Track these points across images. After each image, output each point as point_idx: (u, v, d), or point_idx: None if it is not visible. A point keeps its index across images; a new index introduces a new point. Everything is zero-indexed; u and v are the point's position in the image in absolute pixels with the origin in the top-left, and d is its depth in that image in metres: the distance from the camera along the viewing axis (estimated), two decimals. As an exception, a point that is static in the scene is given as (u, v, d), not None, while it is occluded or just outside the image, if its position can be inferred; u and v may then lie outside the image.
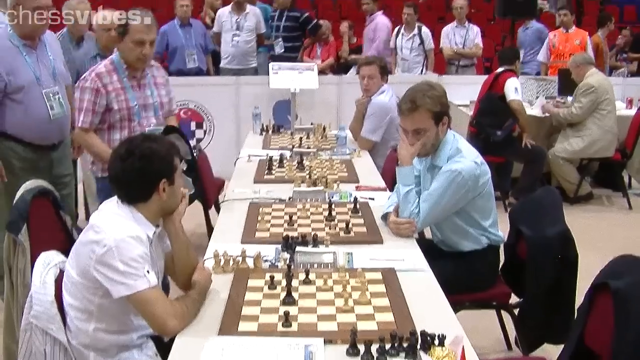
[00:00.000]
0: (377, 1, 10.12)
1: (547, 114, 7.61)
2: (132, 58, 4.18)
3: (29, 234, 3.26)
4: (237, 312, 2.62)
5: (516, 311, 3.74)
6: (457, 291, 3.52)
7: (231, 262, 3.10)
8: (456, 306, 3.60)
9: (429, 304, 2.77)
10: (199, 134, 8.60)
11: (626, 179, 8.10)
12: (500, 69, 7.31)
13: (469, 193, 3.50)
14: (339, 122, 8.24)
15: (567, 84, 7.91)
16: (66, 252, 2.84)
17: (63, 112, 4.59)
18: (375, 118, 5.58)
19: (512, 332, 4.00)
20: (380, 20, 9.84)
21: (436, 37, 9.96)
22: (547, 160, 7.37)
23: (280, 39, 9.08)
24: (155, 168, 2.67)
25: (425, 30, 9.62)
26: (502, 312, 4.03)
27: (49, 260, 2.86)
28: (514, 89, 7.00)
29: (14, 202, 3.36)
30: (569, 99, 7.77)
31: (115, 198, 2.74)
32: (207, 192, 4.84)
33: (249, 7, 9.12)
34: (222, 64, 9.18)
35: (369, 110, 5.62)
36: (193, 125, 8.61)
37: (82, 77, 4.24)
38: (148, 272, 2.55)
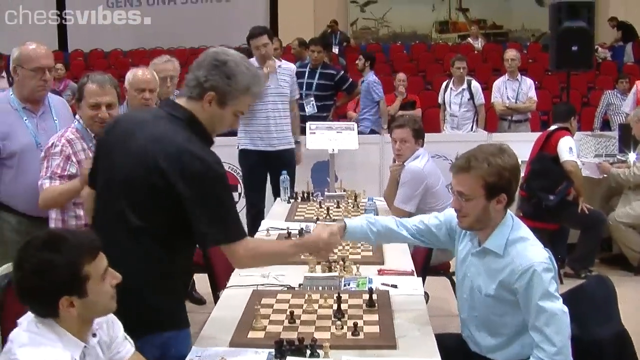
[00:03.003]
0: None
1: (604, 175, 6.96)
2: (89, 122, 3.88)
3: (2, 325, 2.90)
4: None
5: None
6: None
7: (209, 376, 2.60)
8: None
9: None
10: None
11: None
12: (553, 127, 6.73)
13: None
14: (381, 184, 7.79)
15: (629, 140, 7.28)
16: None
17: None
18: (409, 186, 5.07)
19: None
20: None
21: (490, 90, 9.46)
22: (606, 226, 6.72)
23: (312, 98, 8.50)
24: (50, 285, 2.17)
25: (474, 84, 9.11)
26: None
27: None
28: (568, 148, 6.40)
29: None
30: (631, 156, 7.13)
31: None
32: (217, 273, 4.35)
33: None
34: None
35: (402, 178, 5.12)
36: (227, 187, 8.19)
37: (50, 144, 3.90)
38: None
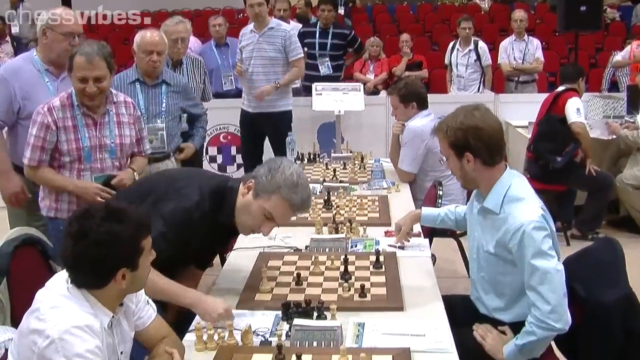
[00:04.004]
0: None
1: (613, 136, 6.91)
2: (79, 94, 3.83)
3: (9, 290, 2.92)
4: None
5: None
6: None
7: (216, 337, 2.59)
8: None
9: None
10: (239, 159, 8.16)
11: None
12: (561, 88, 6.65)
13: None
14: (388, 146, 7.76)
15: (637, 102, 7.21)
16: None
17: None
18: (410, 146, 5.05)
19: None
20: None
21: (497, 51, 9.38)
22: (614, 188, 6.68)
23: (327, 59, 8.30)
24: (113, 256, 2.16)
25: (481, 45, 9.03)
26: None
27: (-8, 338, 2.40)
28: (575, 109, 6.32)
29: None
30: (640, 118, 7.08)
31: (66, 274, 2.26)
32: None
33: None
34: None
35: (403, 138, 5.10)
36: (233, 149, 8.22)
37: (36, 110, 3.87)
38: None
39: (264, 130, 6.89)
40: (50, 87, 4.22)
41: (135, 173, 4.08)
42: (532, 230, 2.82)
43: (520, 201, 2.95)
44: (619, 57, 9.14)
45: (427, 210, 3.74)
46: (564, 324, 2.79)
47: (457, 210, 3.64)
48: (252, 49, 6.72)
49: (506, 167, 3.07)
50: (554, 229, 2.97)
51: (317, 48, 8.30)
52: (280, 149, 6.57)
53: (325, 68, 8.30)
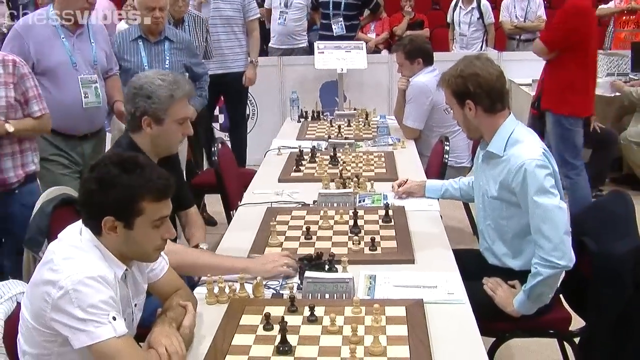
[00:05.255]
0: None
1: (617, 93, 6.86)
2: None
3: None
4: (218, 365, 2.11)
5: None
6: (505, 317, 2.99)
7: (227, 290, 2.59)
8: (505, 334, 3.09)
9: (460, 351, 2.21)
10: (241, 119, 8.10)
11: None
12: (566, 45, 6.58)
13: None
14: (390, 104, 7.72)
15: (642, 59, 7.16)
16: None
17: (98, 102, 4.30)
18: (415, 102, 5.03)
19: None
20: None
21: (499, 9, 9.29)
22: (618, 145, 6.66)
23: (340, 19, 8.20)
24: (101, 198, 2.11)
25: (484, 2, 8.93)
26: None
27: (2, 292, 2.37)
28: (580, 67, 6.27)
29: (32, 214, 3.06)
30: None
31: (79, 224, 2.24)
32: (229, 191, 4.33)
33: None
34: (270, 44, 8.49)
35: (408, 94, 5.08)
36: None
37: None
38: (114, 318, 2.04)
39: (221, 91, 6.79)
40: (65, 43, 4.20)
41: (8, 125, 3.63)
42: (534, 168, 2.85)
43: (522, 142, 2.99)
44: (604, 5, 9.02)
45: (431, 183, 3.78)
46: (568, 261, 2.82)
47: (461, 180, 3.67)
48: (210, 9, 6.51)
49: (510, 113, 3.08)
50: (557, 169, 2.97)
51: (331, 7, 8.20)
52: (235, 110, 6.75)
53: (338, 28, 8.21)
